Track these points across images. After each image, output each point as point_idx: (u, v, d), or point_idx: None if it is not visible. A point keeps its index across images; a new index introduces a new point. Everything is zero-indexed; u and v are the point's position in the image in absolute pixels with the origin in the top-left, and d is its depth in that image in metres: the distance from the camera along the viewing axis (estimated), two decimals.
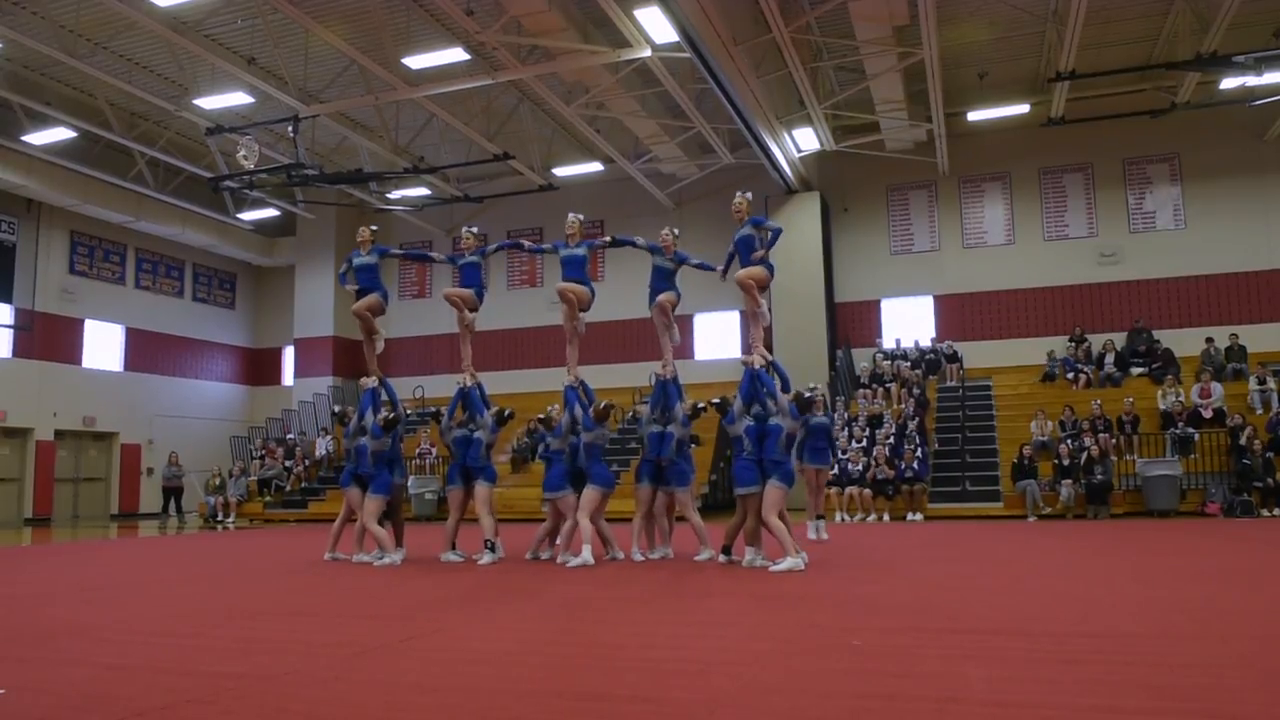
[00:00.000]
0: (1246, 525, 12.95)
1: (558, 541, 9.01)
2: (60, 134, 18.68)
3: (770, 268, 9.05)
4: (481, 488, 9.27)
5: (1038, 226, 20.53)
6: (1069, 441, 15.87)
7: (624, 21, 13.55)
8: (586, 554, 8.42)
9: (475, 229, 10.91)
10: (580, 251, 9.59)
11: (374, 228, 10.82)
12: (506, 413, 9.67)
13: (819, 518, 11.20)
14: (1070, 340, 19.56)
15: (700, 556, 8.77)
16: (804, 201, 20.39)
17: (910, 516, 15.41)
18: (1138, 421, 16.51)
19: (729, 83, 14.54)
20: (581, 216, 9.83)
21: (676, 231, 9.67)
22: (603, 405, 9.14)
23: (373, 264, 10.20)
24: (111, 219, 22.27)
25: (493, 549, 9.06)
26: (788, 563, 7.64)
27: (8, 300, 20.98)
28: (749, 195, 9.23)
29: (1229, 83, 16.79)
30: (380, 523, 9.36)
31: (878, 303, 21.41)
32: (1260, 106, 17.27)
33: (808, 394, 8.51)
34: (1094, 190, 20.24)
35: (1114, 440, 16.22)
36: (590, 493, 8.75)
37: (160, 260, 24.71)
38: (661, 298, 9.45)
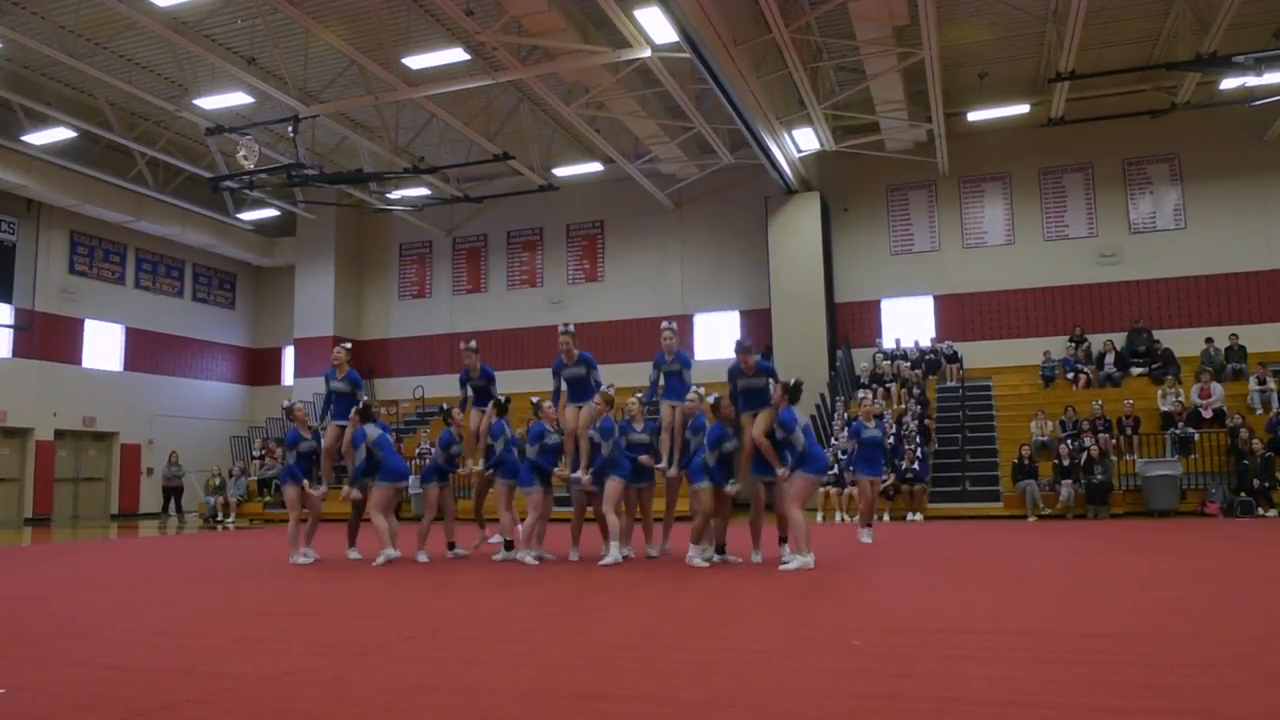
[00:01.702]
0: (1246, 525, 12.95)
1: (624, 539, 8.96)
2: (60, 134, 18.68)
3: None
4: (500, 484, 9.31)
5: (1038, 226, 20.53)
6: (1069, 441, 15.87)
7: (624, 21, 13.55)
8: (615, 551, 8.44)
9: (348, 346, 10.50)
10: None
11: (348, 345, 10.34)
12: (504, 399, 9.61)
13: (867, 525, 10.99)
14: (1070, 340, 19.56)
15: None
16: (804, 201, 20.39)
17: (910, 517, 15.41)
18: (1138, 423, 16.52)
19: (729, 83, 14.53)
20: (674, 326, 9.33)
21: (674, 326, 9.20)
22: (607, 388, 9.09)
23: (347, 392, 9.84)
24: (111, 219, 22.28)
25: (509, 547, 9.10)
26: (798, 561, 7.67)
27: (8, 300, 20.98)
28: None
29: (1229, 83, 16.78)
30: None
31: (878, 303, 21.41)
32: (1260, 106, 17.27)
33: (795, 380, 8.36)
34: (1094, 190, 20.24)
35: (1114, 440, 16.22)
36: (614, 485, 8.68)
37: (160, 260, 24.71)
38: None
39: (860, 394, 11.67)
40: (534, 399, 9.42)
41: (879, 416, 17.36)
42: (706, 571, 7.89)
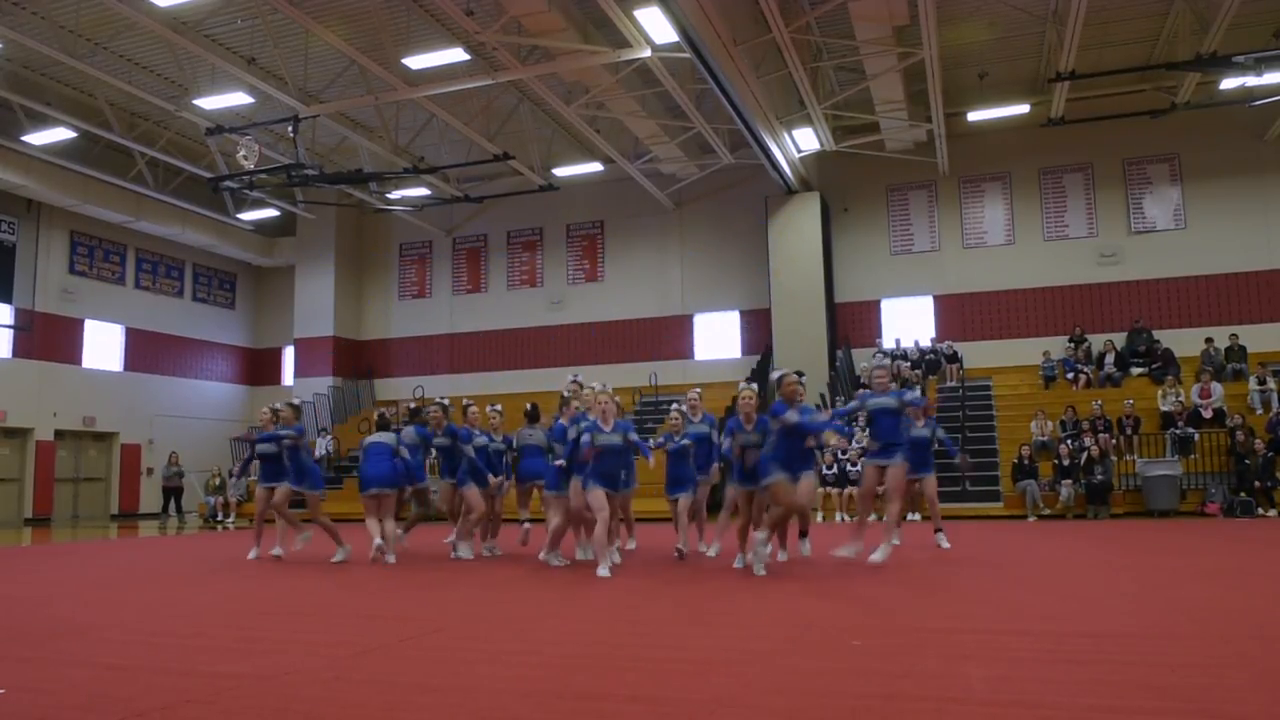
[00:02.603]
0: (1246, 525, 12.96)
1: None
2: (60, 134, 18.68)
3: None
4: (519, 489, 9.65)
5: (1038, 226, 20.53)
6: (1069, 441, 15.88)
7: (624, 21, 13.55)
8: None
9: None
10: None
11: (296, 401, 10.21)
12: (532, 406, 9.78)
13: (939, 528, 10.42)
14: (1070, 340, 19.56)
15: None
16: (804, 201, 20.39)
17: (910, 516, 15.40)
18: (1138, 423, 16.52)
19: (729, 83, 14.53)
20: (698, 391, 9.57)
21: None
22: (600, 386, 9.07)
23: (274, 453, 9.97)
24: (111, 219, 22.28)
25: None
26: (885, 550, 8.05)
27: (8, 300, 20.98)
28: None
29: (1229, 83, 16.79)
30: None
31: (878, 303, 21.41)
32: (1260, 106, 17.26)
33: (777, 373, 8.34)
34: (1094, 190, 20.24)
35: (1114, 440, 16.22)
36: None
37: (160, 260, 24.72)
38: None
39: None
40: (565, 393, 9.13)
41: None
42: (707, 572, 7.88)
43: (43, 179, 20.06)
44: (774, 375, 7.81)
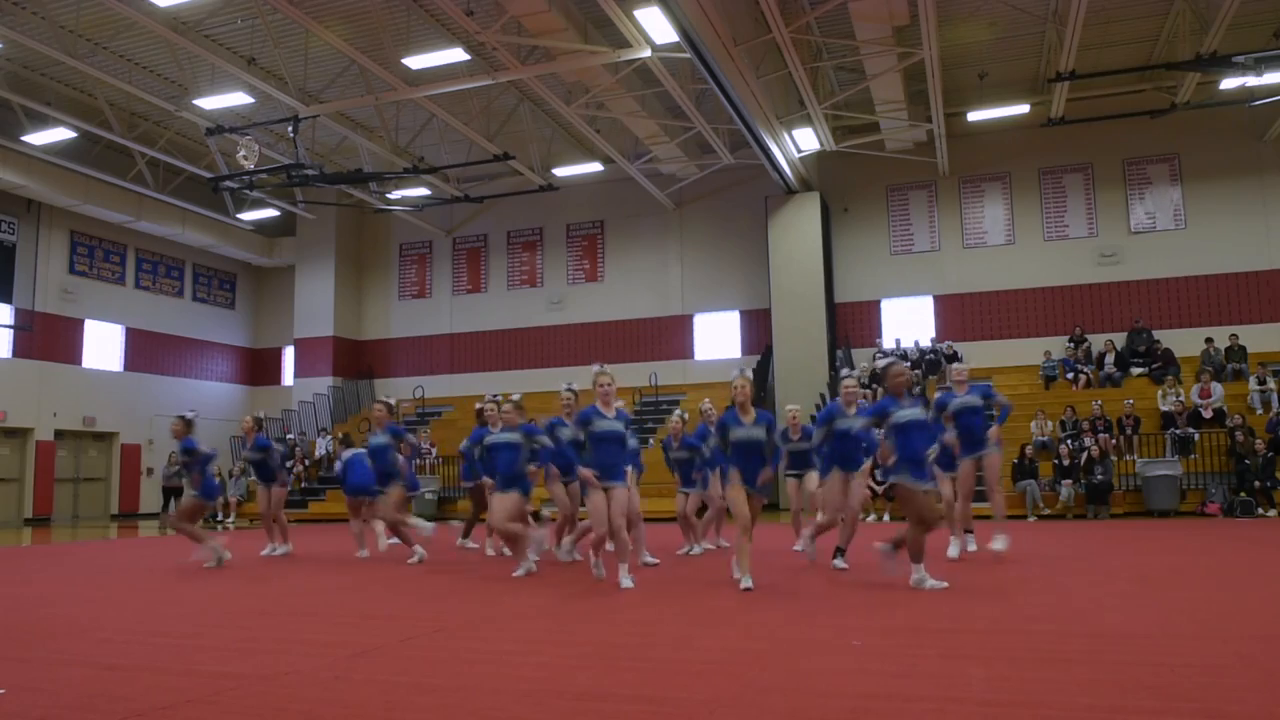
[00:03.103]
0: (1246, 525, 12.96)
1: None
2: (60, 134, 18.69)
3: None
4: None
5: (1038, 226, 20.53)
6: (1069, 442, 15.88)
7: (624, 21, 13.55)
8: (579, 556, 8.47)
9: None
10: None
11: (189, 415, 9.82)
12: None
13: (966, 531, 9.58)
14: (1070, 340, 19.56)
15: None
16: (804, 201, 20.39)
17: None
18: (1138, 423, 16.52)
19: (729, 83, 14.53)
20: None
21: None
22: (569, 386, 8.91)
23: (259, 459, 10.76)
24: (111, 219, 22.28)
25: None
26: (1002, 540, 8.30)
27: (8, 300, 20.98)
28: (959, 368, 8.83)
29: (1229, 83, 16.78)
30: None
31: (878, 303, 21.40)
32: (1260, 106, 17.27)
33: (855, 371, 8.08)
34: (1094, 190, 20.24)
35: (1114, 440, 16.22)
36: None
37: (160, 260, 24.72)
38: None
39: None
40: (563, 402, 8.75)
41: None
42: (708, 573, 7.88)
43: (43, 179, 20.06)
44: (880, 364, 6.98)
